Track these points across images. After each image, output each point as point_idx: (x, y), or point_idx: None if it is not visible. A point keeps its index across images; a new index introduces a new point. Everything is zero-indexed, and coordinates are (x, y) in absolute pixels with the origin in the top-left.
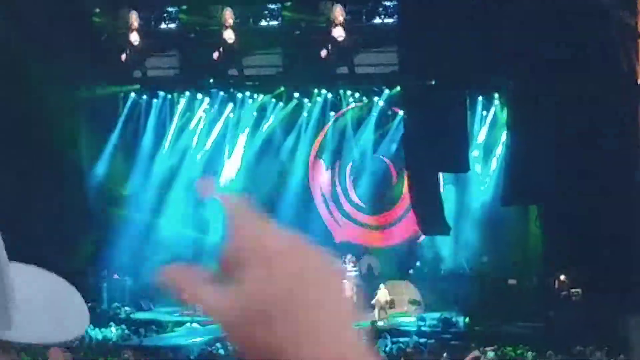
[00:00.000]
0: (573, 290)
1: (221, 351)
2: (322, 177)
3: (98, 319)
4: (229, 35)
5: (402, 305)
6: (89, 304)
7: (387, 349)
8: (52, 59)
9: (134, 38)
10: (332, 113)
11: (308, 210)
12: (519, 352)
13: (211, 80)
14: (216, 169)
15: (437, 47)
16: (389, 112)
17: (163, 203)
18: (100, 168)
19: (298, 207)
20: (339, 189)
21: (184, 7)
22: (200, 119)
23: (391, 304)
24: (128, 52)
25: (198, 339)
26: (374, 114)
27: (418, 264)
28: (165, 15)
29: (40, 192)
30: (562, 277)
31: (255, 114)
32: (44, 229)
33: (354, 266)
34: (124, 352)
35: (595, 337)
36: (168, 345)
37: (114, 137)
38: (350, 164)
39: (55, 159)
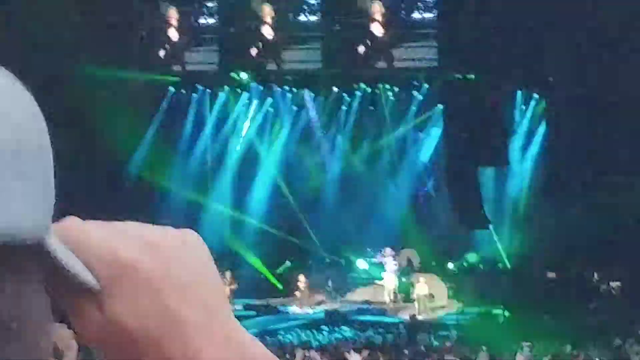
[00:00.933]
0: (612, 283)
1: None
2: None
3: None
4: (267, 31)
5: (442, 299)
6: None
7: (427, 342)
8: (94, 50)
9: (173, 33)
10: (371, 107)
11: (347, 204)
12: (558, 345)
13: (248, 75)
14: (255, 163)
15: (476, 41)
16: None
17: (203, 195)
18: (138, 158)
19: (338, 201)
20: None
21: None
22: (239, 113)
23: (431, 297)
24: (167, 46)
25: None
26: (413, 108)
27: (458, 257)
28: (204, 9)
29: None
30: (601, 271)
31: (294, 108)
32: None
33: (394, 259)
34: None
35: (634, 330)
36: None
37: (152, 129)
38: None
39: (95, 148)
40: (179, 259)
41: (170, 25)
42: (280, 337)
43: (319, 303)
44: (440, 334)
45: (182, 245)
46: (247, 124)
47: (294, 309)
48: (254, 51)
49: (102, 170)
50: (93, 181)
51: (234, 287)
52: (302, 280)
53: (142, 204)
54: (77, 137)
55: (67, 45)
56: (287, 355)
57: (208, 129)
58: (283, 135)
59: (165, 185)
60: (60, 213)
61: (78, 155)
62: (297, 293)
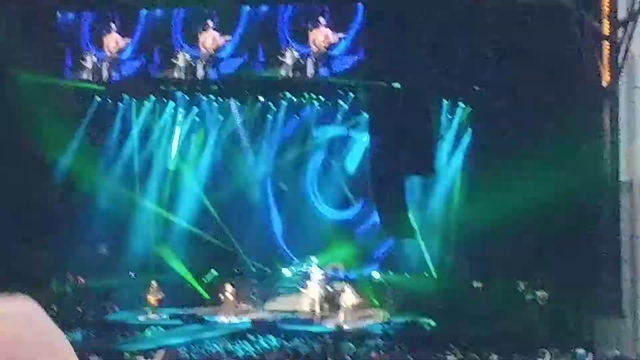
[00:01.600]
0: (539, 293)
1: (186, 355)
2: None
3: (64, 323)
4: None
5: (368, 309)
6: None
7: (353, 352)
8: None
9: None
10: (297, 116)
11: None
12: (484, 355)
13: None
14: (181, 172)
15: (403, 50)
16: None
17: (130, 203)
18: (65, 164)
19: (264, 209)
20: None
21: None
22: (165, 122)
23: (357, 306)
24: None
25: (164, 342)
26: (339, 117)
27: (384, 267)
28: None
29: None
30: (528, 280)
31: (220, 117)
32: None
33: (320, 268)
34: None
35: (560, 340)
36: (135, 349)
37: (79, 136)
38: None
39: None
40: (27, 329)
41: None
42: (206, 347)
43: (245, 312)
44: (366, 343)
45: (25, 317)
46: (176, 133)
47: (220, 318)
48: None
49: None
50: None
51: (160, 296)
52: (228, 290)
53: (69, 210)
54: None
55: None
56: None
57: (134, 137)
58: (210, 145)
59: (91, 191)
60: None
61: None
62: (223, 302)
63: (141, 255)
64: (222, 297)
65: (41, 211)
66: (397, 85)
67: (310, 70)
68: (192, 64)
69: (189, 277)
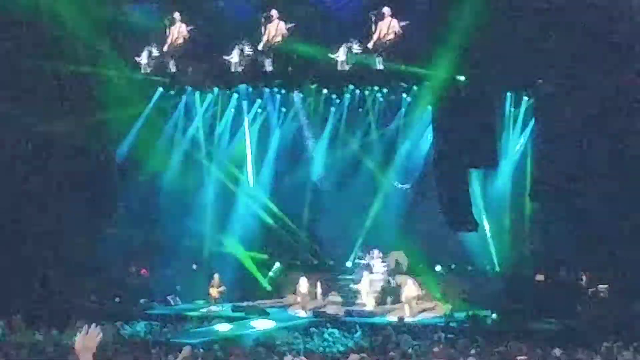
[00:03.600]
0: (600, 286)
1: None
2: None
3: (126, 314)
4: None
5: (430, 302)
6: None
7: (415, 345)
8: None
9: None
10: (360, 109)
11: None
12: (547, 349)
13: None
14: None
15: (466, 43)
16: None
17: (193, 198)
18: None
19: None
20: None
21: None
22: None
23: (419, 299)
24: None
25: (226, 333)
26: (402, 109)
27: (446, 260)
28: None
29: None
30: (589, 274)
31: (283, 109)
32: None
33: (382, 261)
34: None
35: (623, 334)
36: (196, 341)
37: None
38: None
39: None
40: None
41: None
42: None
43: (323, 305)
44: (428, 337)
45: None
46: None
47: (295, 311)
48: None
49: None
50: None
51: (222, 289)
52: (303, 283)
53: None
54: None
55: None
56: (276, 358)
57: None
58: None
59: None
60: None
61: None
62: (295, 296)
63: (204, 247)
64: (298, 291)
65: (106, 200)
66: (461, 78)
67: (373, 62)
68: (252, 55)
69: (253, 269)
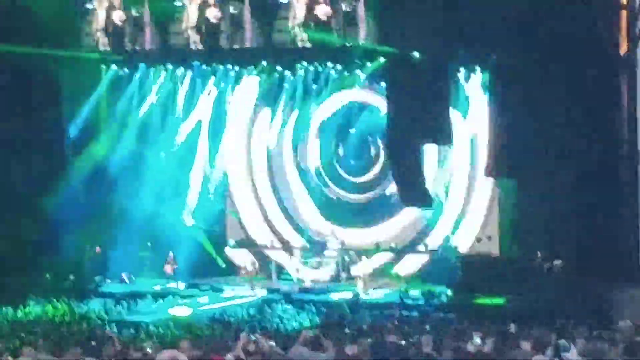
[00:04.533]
0: (555, 262)
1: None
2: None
3: (80, 292)
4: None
5: (384, 278)
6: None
7: (369, 322)
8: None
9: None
10: (315, 86)
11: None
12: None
13: None
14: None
15: (420, 19)
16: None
17: (142, 174)
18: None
19: None
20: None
21: None
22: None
23: (372, 276)
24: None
25: (182, 311)
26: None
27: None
28: None
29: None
30: (544, 250)
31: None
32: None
33: (336, 238)
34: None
35: (578, 310)
36: (150, 319)
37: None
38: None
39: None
40: None
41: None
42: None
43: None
44: (383, 313)
45: None
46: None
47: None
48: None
49: None
50: None
51: (176, 266)
52: (248, 260)
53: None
54: None
55: None
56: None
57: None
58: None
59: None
60: None
61: None
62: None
63: (158, 224)
64: (244, 267)
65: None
66: (415, 54)
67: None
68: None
69: (208, 246)
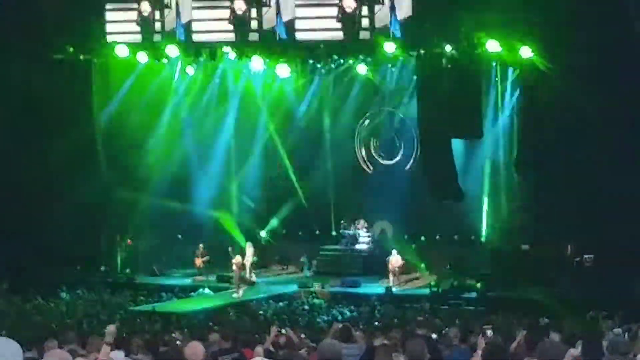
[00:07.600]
0: (586, 256)
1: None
2: None
3: (112, 284)
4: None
5: (416, 271)
6: (103, 269)
7: (400, 314)
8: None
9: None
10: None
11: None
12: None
13: None
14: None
15: (453, 15)
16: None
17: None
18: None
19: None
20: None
21: None
22: None
23: (404, 269)
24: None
25: (210, 305)
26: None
27: (431, 231)
28: None
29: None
30: (575, 243)
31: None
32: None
33: (367, 231)
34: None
35: (607, 304)
36: (180, 310)
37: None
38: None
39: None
40: None
41: None
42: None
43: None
44: (413, 306)
45: None
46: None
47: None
48: None
49: None
50: None
51: (206, 258)
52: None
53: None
54: None
55: None
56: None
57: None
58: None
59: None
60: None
61: None
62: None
63: (189, 217)
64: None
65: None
66: (448, 48)
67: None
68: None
69: (239, 237)
